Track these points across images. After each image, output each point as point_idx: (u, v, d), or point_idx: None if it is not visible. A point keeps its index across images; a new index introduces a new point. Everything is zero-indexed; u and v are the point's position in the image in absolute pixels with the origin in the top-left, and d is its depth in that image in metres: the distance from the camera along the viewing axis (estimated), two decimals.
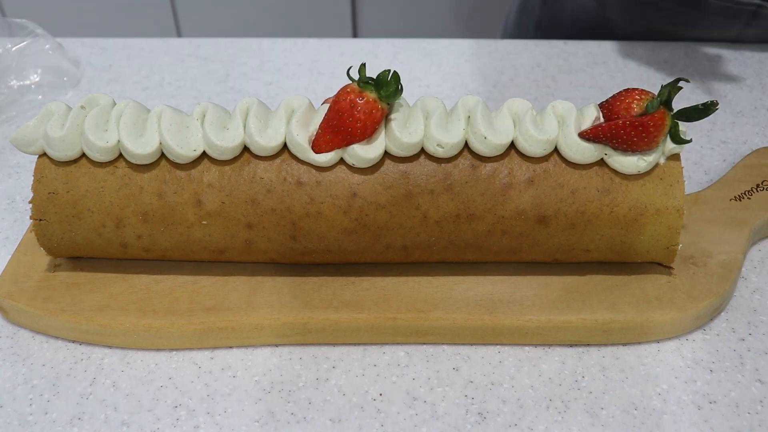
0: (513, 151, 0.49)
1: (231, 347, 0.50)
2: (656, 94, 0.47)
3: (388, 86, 0.47)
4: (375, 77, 0.47)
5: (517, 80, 0.81)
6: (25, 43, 0.80)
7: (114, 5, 1.64)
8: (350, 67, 0.48)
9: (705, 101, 0.47)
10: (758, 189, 0.59)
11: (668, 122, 0.47)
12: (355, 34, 1.70)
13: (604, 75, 0.81)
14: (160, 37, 0.91)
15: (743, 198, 0.58)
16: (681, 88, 0.46)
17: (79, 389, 0.48)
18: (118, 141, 0.48)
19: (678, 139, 0.48)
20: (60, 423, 0.46)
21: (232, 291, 0.52)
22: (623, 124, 0.46)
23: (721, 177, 0.61)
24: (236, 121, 0.49)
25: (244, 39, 0.90)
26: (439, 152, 0.48)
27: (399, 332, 0.50)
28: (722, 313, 0.52)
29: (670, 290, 0.51)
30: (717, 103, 0.46)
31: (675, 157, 0.49)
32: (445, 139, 0.47)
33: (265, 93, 0.80)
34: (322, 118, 0.48)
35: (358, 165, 0.48)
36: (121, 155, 0.49)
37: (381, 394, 0.47)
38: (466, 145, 0.49)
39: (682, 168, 0.49)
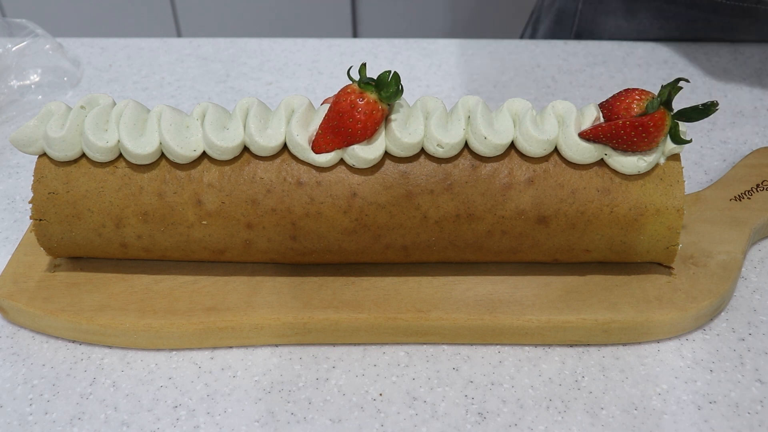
0: (513, 151, 0.49)
1: (231, 347, 0.50)
2: (656, 94, 0.47)
3: (388, 87, 0.47)
4: (375, 78, 0.47)
5: (517, 80, 0.81)
6: (25, 43, 0.80)
7: (114, 5, 1.64)
8: (350, 67, 0.48)
9: (705, 101, 0.47)
10: (758, 189, 0.59)
11: (668, 122, 0.47)
12: (355, 34, 1.70)
13: (604, 75, 0.81)
14: (160, 37, 0.91)
15: (743, 198, 0.58)
16: (681, 88, 0.46)
17: (79, 389, 0.48)
18: (118, 141, 0.48)
19: (678, 140, 0.48)
20: (60, 423, 0.46)
21: (232, 291, 0.52)
22: (623, 125, 0.46)
23: (721, 177, 0.61)
24: (236, 121, 0.49)
25: (244, 39, 0.90)
26: (439, 152, 0.48)
27: (399, 332, 0.50)
28: (722, 313, 0.52)
29: (670, 290, 0.51)
30: (717, 104, 0.46)
31: (675, 157, 0.49)
32: (445, 139, 0.47)
33: (265, 93, 0.80)
34: (322, 118, 0.48)
35: (358, 165, 0.48)
36: (121, 155, 0.49)
37: (381, 394, 0.47)
38: (466, 145, 0.49)
39: (682, 168, 0.49)
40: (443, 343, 0.50)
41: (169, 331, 0.49)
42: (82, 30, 1.65)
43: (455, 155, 0.49)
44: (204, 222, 0.49)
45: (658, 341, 0.50)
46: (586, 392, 0.47)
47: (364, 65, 0.47)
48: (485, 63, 0.84)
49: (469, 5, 1.68)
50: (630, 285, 0.51)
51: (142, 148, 0.48)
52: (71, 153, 0.49)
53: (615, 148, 0.48)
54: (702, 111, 0.47)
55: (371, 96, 0.47)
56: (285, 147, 0.49)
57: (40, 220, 0.50)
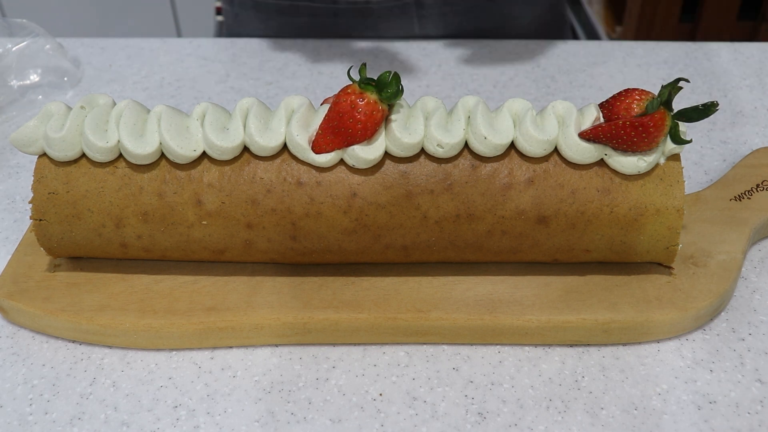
0: (513, 151, 0.49)
1: (231, 347, 0.50)
2: (656, 94, 0.47)
3: (389, 87, 0.47)
4: (375, 78, 0.47)
5: (517, 80, 0.81)
6: (25, 43, 0.80)
7: (114, 5, 1.64)
8: (350, 67, 0.48)
9: (705, 102, 0.47)
10: (758, 189, 0.59)
11: (668, 122, 0.47)
12: None
13: (604, 75, 0.81)
14: (160, 37, 0.91)
15: (743, 198, 0.58)
16: (681, 88, 0.46)
17: (79, 389, 0.48)
18: (118, 141, 0.48)
19: (678, 140, 0.48)
20: (60, 423, 0.46)
21: (232, 291, 0.52)
22: (623, 125, 0.46)
23: (721, 177, 0.61)
24: (236, 122, 0.49)
25: (244, 39, 0.90)
26: (439, 152, 0.48)
27: (399, 332, 0.50)
28: (722, 313, 0.52)
29: (670, 290, 0.51)
30: (717, 104, 0.46)
31: (675, 157, 0.49)
32: (445, 139, 0.47)
33: (265, 93, 0.80)
34: (322, 118, 0.48)
35: (358, 165, 0.48)
36: (121, 155, 0.49)
37: (381, 394, 0.47)
38: (466, 145, 0.49)
39: (682, 168, 0.49)
40: (443, 343, 0.50)
41: (169, 331, 0.49)
42: (82, 30, 1.65)
43: (455, 155, 0.49)
44: (204, 222, 0.49)
45: (658, 341, 0.50)
46: (586, 392, 0.47)
47: (364, 65, 0.47)
48: (485, 63, 0.84)
49: None
50: (630, 285, 0.51)
51: (142, 148, 0.48)
52: (71, 153, 0.49)
53: (615, 148, 0.48)
54: (702, 111, 0.47)
55: (371, 96, 0.47)
56: (285, 147, 0.49)
57: (40, 220, 0.50)
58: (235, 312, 0.50)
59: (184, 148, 0.48)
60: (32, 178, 0.50)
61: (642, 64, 0.83)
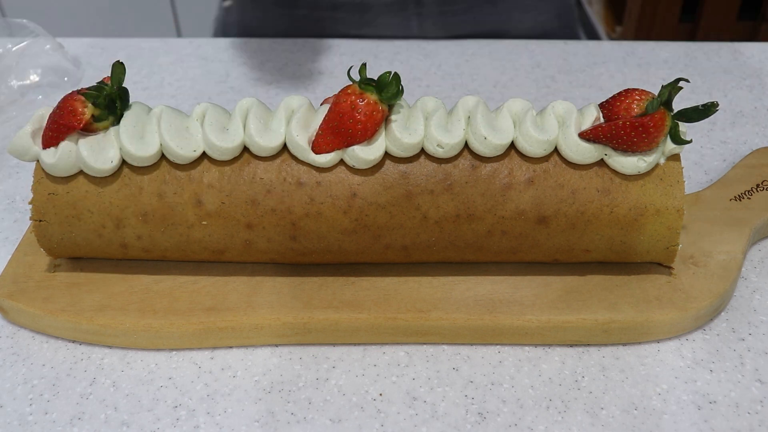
0: (513, 152, 0.49)
1: (231, 347, 0.50)
2: (656, 94, 0.47)
3: (389, 88, 0.47)
4: (376, 79, 0.47)
5: (517, 80, 0.81)
6: (25, 43, 0.80)
7: (114, 5, 1.64)
8: (351, 68, 0.48)
9: (705, 102, 0.47)
10: (758, 189, 0.59)
11: (668, 123, 0.47)
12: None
13: (604, 75, 0.82)
14: (160, 37, 0.91)
15: (743, 198, 0.58)
16: (681, 88, 0.46)
17: (79, 389, 0.48)
18: (120, 148, 0.48)
19: (678, 140, 0.48)
20: (60, 423, 0.46)
21: (232, 291, 0.52)
22: (623, 125, 0.46)
23: (721, 177, 0.61)
24: (236, 122, 0.49)
25: (244, 39, 0.90)
26: (439, 153, 0.48)
27: (399, 332, 0.50)
28: (722, 313, 0.52)
29: (670, 290, 0.51)
30: (717, 104, 0.46)
31: (675, 157, 0.49)
32: (446, 139, 0.47)
33: (265, 93, 0.80)
34: (322, 118, 0.48)
35: (358, 166, 0.48)
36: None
37: (381, 394, 0.47)
38: (466, 146, 0.49)
39: (682, 168, 0.49)
40: (443, 343, 0.50)
41: (169, 331, 0.49)
42: (82, 30, 1.65)
43: (455, 155, 0.49)
44: (204, 222, 0.49)
45: (658, 341, 0.50)
46: (586, 392, 0.47)
47: (364, 66, 0.47)
48: (485, 63, 0.84)
49: None
50: (630, 285, 0.51)
51: (143, 150, 0.48)
52: (67, 174, 0.49)
53: (615, 149, 0.48)
54: (702, 111, 0.47)
55: (371, 97, 0.47)
56: (285, 147, 0.49)
57: (40, 221, 0.50)
58: (235, 312, 0.50)
59: (184, 149, 0.48)
60: (32, 179, 0.50)
61: (642, 64, 0.83)
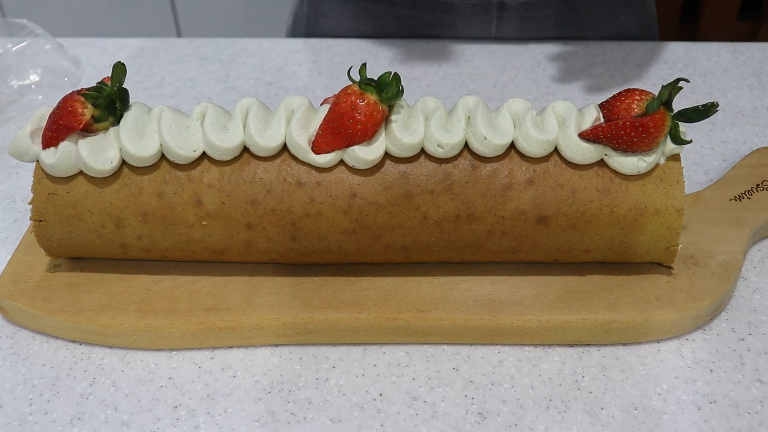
0: (513, 152, 0.49)
1: (231, 347, 0.50)
2: (656, 94, 0.47)
3: (389, 88, 0.47)
4: (376, 79, 0.47)
5: (517, 80, 0.81)
6: (25, 43, 0.80)
7: (114, 5, 1.64)
8: (350, 68, 0.48)
9: (705, 102, 0.47)
10: (758, 189, 0.59)
11: (668, 123, 0.47)
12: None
13: (604, 75, 0.81)
14: (160, 37, 0.91)
15: (743, 198, 0.58)
16: (681, 88, 0.46)
17: (79, 389, 0.48)
18: (120, 149, 0.48)
19: (678, 140, 0.48)
20: (60, 423, 0.46)
21: (232, 291, 0.52)
22: (623, 125, 0.46)
23: (721, 177, 0.61)
24: (236, 122, 0.49)
25: (244, 39, 0.90)
26: (439, 153, 0.48)
27: (399, 332, 0.50)
28: (722, 313, 0.52)
29: (670, 290, 0.51)
30: (717, 105, 0.46)
31: (675, 157, 0.49)
32: (446, 139, 0.47)
33: (265, 93, 0.80)
34: (322, 118, 0.48)
35: (358, 166, 0.48)
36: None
37: (381, 394, 0.47)
38: (466, 146, 0.49)
39: (682, 168, 0.49)
40: (443, 343, 0.50)
41: (169, 331, 0.49)
42: (82, 30, 1.65)
43: (455, 155, 0.49)
44: (204, 222, 0.49)
45: (658, 341, 0.50)
46: (586, 392, 0.47)
47: (364, 66, 0.47)
48: (485, 63, 0.84)
49: None
50: (630, 285, 0.51)
51: (143, 150, 0.48)
52: (67, 174, 0.49)
53: (615, 149, 0.48)
54: (702, 112, 0.47)
55: (372, 97, 0.47)
56: (285, 147, 0.49)
57: (40, 221, 0.50)
58: (235, 312, 0.50)
59: (184, 149, 0.48)
60: (32, 179, 0.50)
61: (642, 64, 0.83)
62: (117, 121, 0.49)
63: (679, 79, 0.46)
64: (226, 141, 0.48)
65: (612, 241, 0.50)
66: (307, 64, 0.85)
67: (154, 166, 0.49)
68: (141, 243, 0.51)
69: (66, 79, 0.81)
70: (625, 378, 0.48)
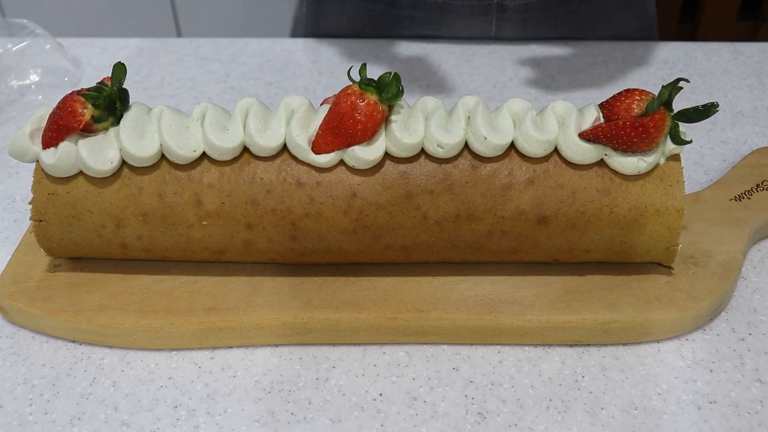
0: (513, 152, 0.49)
1: (231, 347, 0.50)
2: (656, 94, 0.47)
3: (389, 88, 0.47)
4: (376, 79, 0.47)
5: (517, 80, 0.81)
6: (25, 43, 0.80)
7: (114, 5, 1.64)
8: (351, 68, 0.48)
9: (705, 102, 0.47)
10: (758, 189, 0.59)
11: (668, 123, 0.47)
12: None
13: (604, 75, 0.81)
14: (160, 37, 0.91)
15: (743, 198, 0.58)
16: (681, 88, 0.46)
17: (79, 389, 0.48)
18: (120, 149, 0.48)
19: (678, 140, 0.48)
20: (60, 423, 0.46)
21: (232, 291, 0.52)
22: (623, 125, 0.46)
23: (721, 177, 0.61)
24: (236, 122, 0.49)
25: (244, 39, 0.90)
26: (439, 153, 0.48)
27: (399, 332, 0.50)
28: (722, 313, 0.52)
29: (670, 290, 0.51)
30: (717, 105, 0.46)
31: (675, 157, 0.49)
32: (445, 139, 0.47)
33: (265, 93, 0.80)
34: (322, 118, 0.48)
35: (358, 166, 0.48)
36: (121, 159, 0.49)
37: (381, 394, 0.47)
38: (466, 146, 0.49)
39: (682, 168, 0.49)
40: (443, 343, 0.50)
41: (169, 331, 0.49)
42: (82, 30, 1.65)
43: (455, 155, 0.49)
44: (204, 222, 0.49)
45: (658, 341, 0.50)
46: (586, 392, 0.47)
47: (364, 66, 0.47)
48: (485, 63, 0.84)
49: None
50: (630, 285, 0.51)
51: (143, 150, 0.48)
52: (67, 174, 0.49)
53: (615, 149, 0.48)
54: (702, 112, 0.47)
55: (372, 97, 0.47)
56: (285, 147, 0.49)
57: (40, 221, 0.50)
58: (235, 312, 0.50)
59: (184, 149, 0.48)
60: (32, 179, 0.50)
61: (642, 64, 0.83)
62: (117, 122, 0.49)
63: (679, 79, 0.46)
64: (226, 141, 0.48)
65: (612, 241, 0.50)
66: (307, 64, 0.85)
67: (154, 166, 0.49)
68: (141, 243, 0.51)
69: (66, 79, 0.81)
70: (625, 378, 0.48)
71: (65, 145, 0.48)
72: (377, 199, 0.49)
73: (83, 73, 0.84)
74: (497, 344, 0.50)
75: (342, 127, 0.47)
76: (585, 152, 0.48)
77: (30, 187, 0.63)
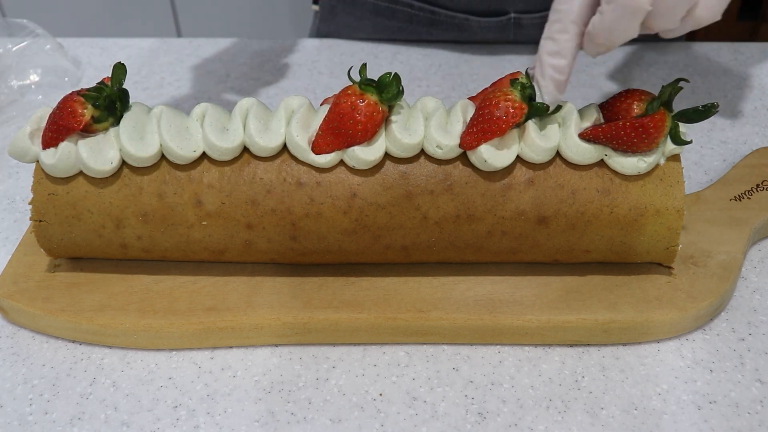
0: None
1: (231, 347, 0.50)
2: (656, 94, 0.47)
3: (389, 89, 0.47)
4: (376, 80, 0.47)
5: None
6: (25, 43, 0.80)
7: (114, 5, 1.64)
8: (351, 68, 0.48)
9: (705, 103, 0.47)
10: (758, 189, 0.59)
11: (668, 123, 0.47)
12: None
13: (604, 75, 0.81)
14: (160, 37, 0.91)
15: (743, 198, 0.58)
16: (681, 88, 0.46)
17: (79, 389, 0.48)
18: (120, 149, 0.48)
19: (678, 140, 0.48)
20: (60, 423, 0.46)
21: (232, 291, 0.52)
22: (623, 125, 0.46)
23: (721, 177, 0.61)
24: (236, 122, 0.49)
25: (244, 39, 0.90)
26: (438, 154, 0.48)
27: (399, 332, 0.50)
28: (722, 313, 0.52)
29: (670, 290, 0.51)
30: (717, 105, 0.46)
31: (675, 157, 0.49)
32: (445, 140, 0.47)
33: (265, 93, 0.80)
34: (322, 119, 0.48)
35: (358, 166, 0.48)
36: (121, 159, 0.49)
37: (381, 394, 0.47)
38: None
39: (682, 168, 0.49)
40: (443, 343, 0.50)
41: (169, 331, 0.49)
42: (82, 30, 1.65)
43: (455, 156, 0.49)
44: (204, 222, 0.49)
45: (658, 341, 0.50)
46: (586, 392, 0.47)
47: (364, 66, 0.47)
48: (485, 63, 0.84)
49: None
50: (630, 285, 0.51)
51: (143, 151, 0.48)
52: (67, 174, 0.49)
53: (615, 149, 0.48)
54: (702, 112, 0.47)
55: (372, 98, 0.47)
56: (285, 148, 0.49)
57: (40, 221, 0.50)
58: (235, 312, 0.50)
59: (184, 149, 0.48)
60: (32, 179, 0.50)
61: (642, 64, 0.83)
62: (117, 122, 0.49)
63: (679, 79, 0.46)
64: (226, 141, 0.48)
65: (612, 241, 0.50)
66: (307, 64, 0.85)
67: (154, 167, 0.49)
68: (141, 243, 0.51)
69: (66, 79, 0.81)
70: (625, 378, 0.48)
71: (65, 146, 0.48)
72: (377, 199, 0.49)
73: (83, 73, 0.84)
74: (497, 344, 0.50)
75: (342, 127, 0.47)
76: (585, 152, 0.48)
77: (30, 187, 0.63)
